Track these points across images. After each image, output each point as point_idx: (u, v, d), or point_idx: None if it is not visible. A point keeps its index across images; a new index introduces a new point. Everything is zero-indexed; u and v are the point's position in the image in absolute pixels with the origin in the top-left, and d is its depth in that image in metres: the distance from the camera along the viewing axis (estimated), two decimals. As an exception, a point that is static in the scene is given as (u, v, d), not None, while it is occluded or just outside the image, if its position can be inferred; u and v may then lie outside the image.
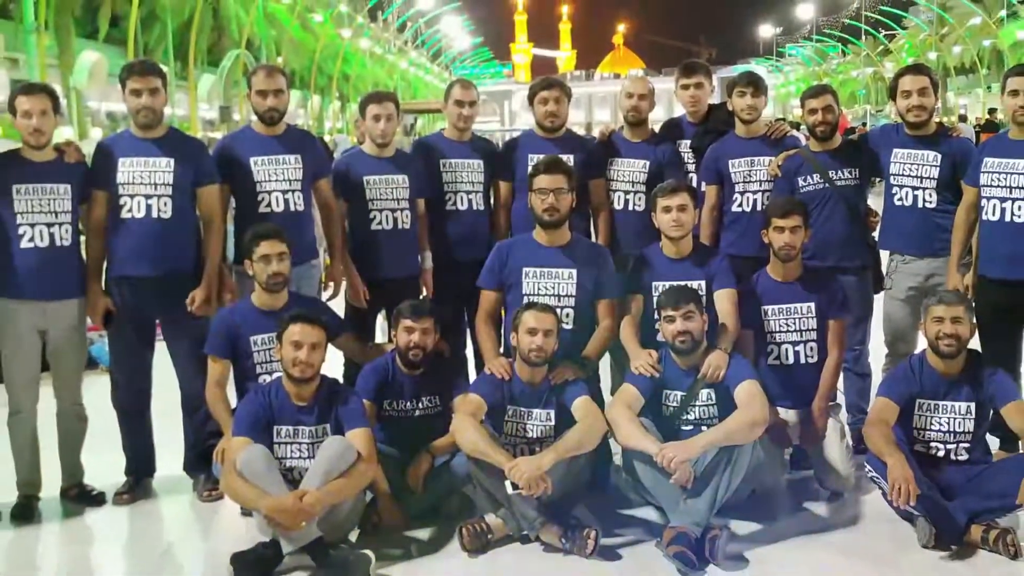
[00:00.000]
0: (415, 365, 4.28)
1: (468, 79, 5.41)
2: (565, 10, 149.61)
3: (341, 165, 4.99)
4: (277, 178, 4.60)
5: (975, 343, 4.21)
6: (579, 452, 3.94)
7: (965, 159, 4.49)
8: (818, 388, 4.39)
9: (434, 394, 4.34)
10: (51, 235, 4.25)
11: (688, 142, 5.11)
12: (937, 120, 4.89)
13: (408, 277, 4.89)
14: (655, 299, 4.28)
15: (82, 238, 4.48)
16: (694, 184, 4.85)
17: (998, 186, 4.28)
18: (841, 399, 4.74)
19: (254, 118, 4.75)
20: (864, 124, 27.23)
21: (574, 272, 4.35)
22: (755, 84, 4.82)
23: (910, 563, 3.77)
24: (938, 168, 4.52)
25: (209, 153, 4.69)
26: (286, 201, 4.61)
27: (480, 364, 4.63)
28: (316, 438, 3.94)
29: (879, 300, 4.85)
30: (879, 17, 61.02)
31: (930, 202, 4.54)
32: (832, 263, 4.63)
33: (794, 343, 4.43)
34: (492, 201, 5.07)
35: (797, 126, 10.91)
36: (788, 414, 4.42)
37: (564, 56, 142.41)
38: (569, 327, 4.31)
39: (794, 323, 4.42)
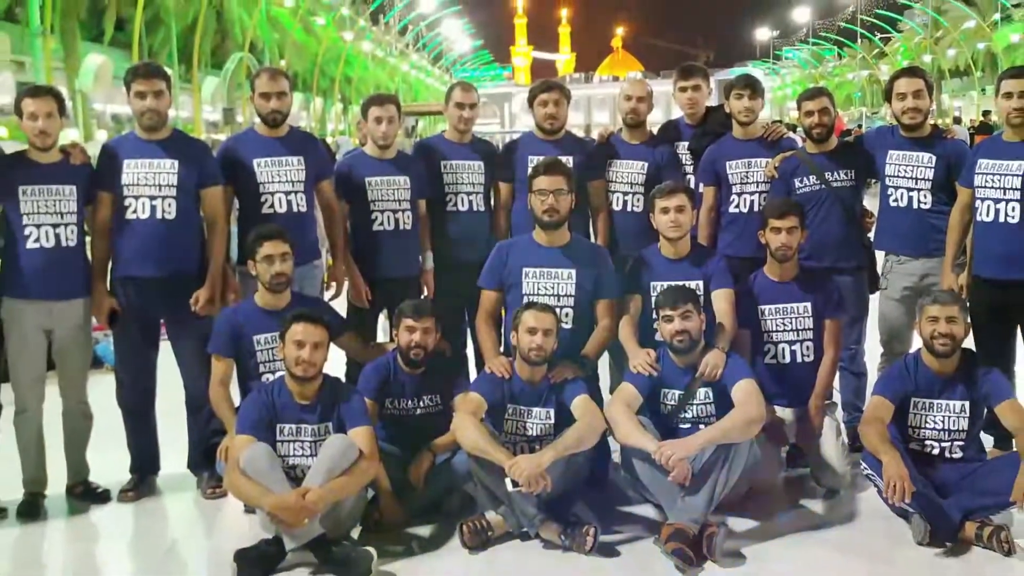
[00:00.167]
0: (416, 364, 4.30)
1: (469, 82, 5.44)
2: (564, 13, 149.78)
3: (343, 167, 5.01)
4: (280, 179, 4.63)
5: (969, 342, 4.23)
6: (578, 450, 3.96)
7: (959, 161, 4.51)
8: (814, 387, 4.41)
9: (435, 393, 4.36)
10: (57, 236, 4.27)
11: (686, 144, 5.13)
12: (932, 122, 4.92)
13: (409, 277, 4.92)
14: (653, 299, 4.30)
15: (87, 239, 4.50)
16: (692, 185, 4.88)
17: (992, 187, 4.30)
18: (837, 398, 4.77)
19: (257, 120, 4.76)
20: (860, 126, 27.24)
21: (573, 272, 4.38)
22: (752, 87, 4.85)
23: (905, 560, 3.78)
24: (933, 169, 4.54)
25: (213, 155, 4.71)
26: (289, 202, 4.64)
27: (480, 363, 4.65)
28: (318, 436, 3.96)
29: (875, 300, 4.87)
30: (874, 20, 61.07)
31: (925, 203, 4.56)
32: (828, 263, 4.66)
33: (791, 342, 4.46)
34: (492, 202, 5.09)
35: (794, 128, 10.91)
36: (785, 412, 4.45)
37: (563, 59, 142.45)
38: (568, 327, 4.33)
39: (791, 323, 4.45)
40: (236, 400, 4.31)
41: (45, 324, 4.34)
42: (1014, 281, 4.28)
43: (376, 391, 4.29)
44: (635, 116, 5.03)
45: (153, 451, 4.69)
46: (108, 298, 4.46)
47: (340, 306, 4.83)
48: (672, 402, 4.21)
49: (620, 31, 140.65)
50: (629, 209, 4.97)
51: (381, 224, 4.82)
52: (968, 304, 4.22)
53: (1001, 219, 4.28)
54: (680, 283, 4.30)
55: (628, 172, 4.99)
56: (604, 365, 4.80)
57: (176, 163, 4.42)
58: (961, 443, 4.09)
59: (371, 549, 3.73)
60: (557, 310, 4.23)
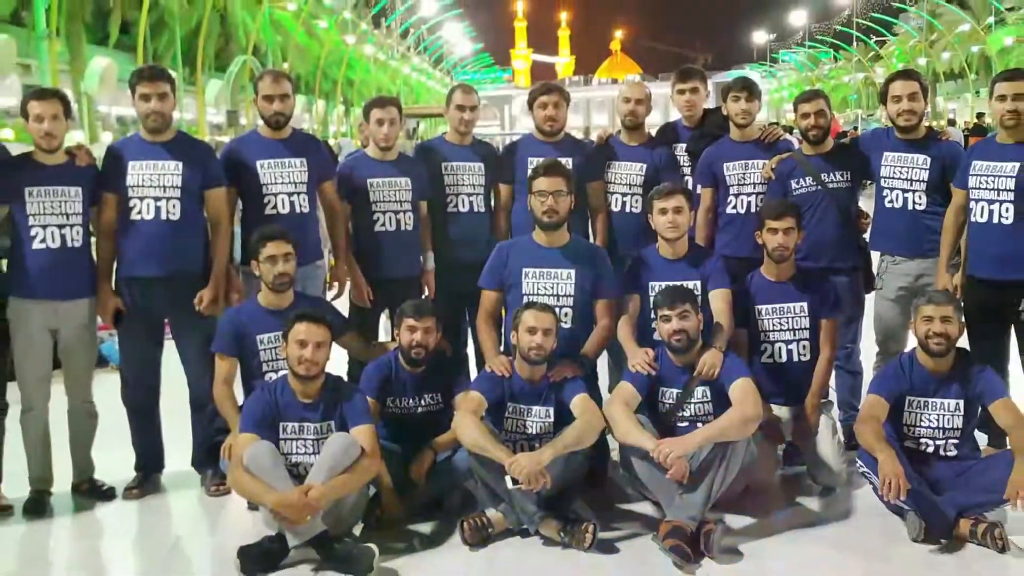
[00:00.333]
0: (417, 363, 4.32)
1: (469, 84, 5.44)
2: (564, 17, 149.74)
3: (345, 168, 5.04)
4: (283, 181, 4.66)
5: (964, 342, 4.25)
6: (577, 448, 3.98)
7: (954, 162, 4.53)
8: (810, 386, 4.44)
9: (436, 391, 4.38)
10: (62, 236, 4.30)
11: (684, 146, 5.17)
12: (927, 124, 4.91)
13: (411, 277, 4.95)
14: (652, 299, 4.32)
15: (93, 239, 4.54)
16: (690, 187, 4.90)
17: (986, 188, 4.32)
18: (833, 396, 4.80)
19: (260, 122, 4.79)
20: (855, 128, 27.25)
21: (573, 272, 4.40)
22: (749, 89, 4.88)
23: (900, 556, 3.80)
24: (928, 171, 4.57)
25: (216, 156, 4.74)
26: (292, 203, 4.67)
27: (481, 362, 4.67)
28: (321, 434, 3.98)
29: (870, 300, 4.90)
30: (870, 24, 61.03)
31: (920, 204, 4.59)
32: (824, 264, 4.68)
33: (787, 342, 4.48)
34: (492, 203, 5.12)
35: (790, 130, 10.92)
36: (781, 411, 4.48)
37: (563, 62, 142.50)
38: (568, 326, 4.36)
39: (787, 322, 4.47)
40: (240, 399, 4.34)
41: (51, 324, 4.36)
42: (1008, 281, 4.30)
43: (378, 390, 4.31)
44: (633, 118, 5.06)
45: (157, 449, 4.72)
46: (113, 298, 4.48)
47: (342, 306, 4.85)
48: (670, 401, 4.23)
49: (619, 34, 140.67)
50: (628, 210, 5.00)
51: (383, 225, 4.85)
52: (962, 304, 4.25)
53: (995, 220, 4.29)
54: (678, 283, 4.32)
55: (627, 173, 5.02)
56: (603, 364, 4.83)
57: (180, 164, 4.45)
58: (955, 441, 4.11)
59: (373, 546, 3.74)
60: (556, 310, 4.25)
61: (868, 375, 4.72)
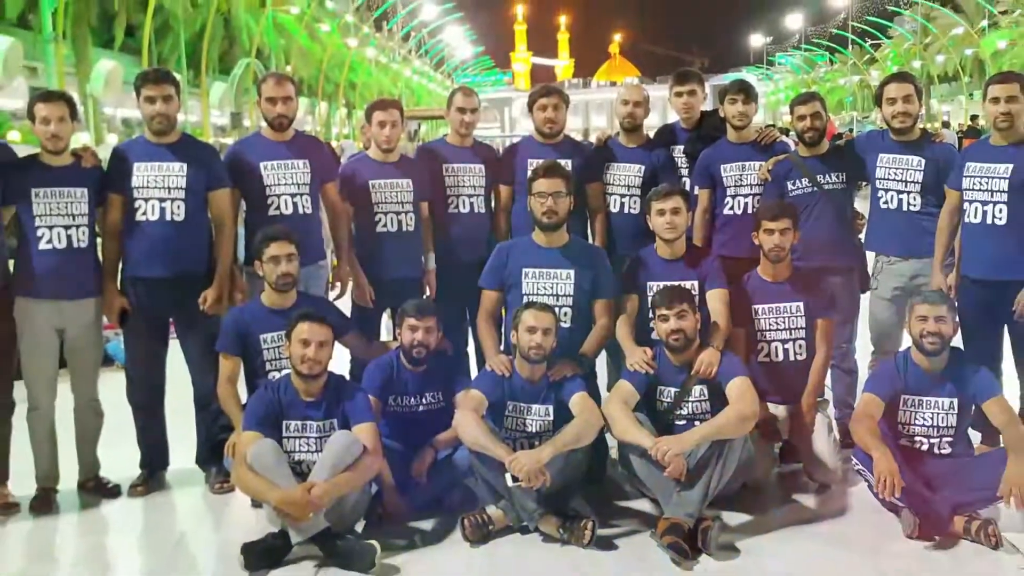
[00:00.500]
0: (419, 362, 4.35)
1: (470, 87, 5.47)
2: (563, 20, 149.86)
3: (347, 170, 5.06)
4: (286, 182, 4.69)
5: (958, 341, 4.28)
6: (577, 446, 4.01)
7: (948, 164, 4.57)
8: (807, 384, 4.46)
9: (437, 390, 4.41)
10: (68, 237, 4.34)
11: (681, 147, 5.19)
12: (921, 126, 4.94)
13: (412, 277, 4.97)
14: (650, 299, 4.35)
15: (98, 240, 4.56)
16: (687, 188, 4.93)
17: (980, 190, 4.35)
18: (829, 395, 4.83)
19: (264, 124, 4.83)
20: (851, 130, 27.33)
21: (572, 272, 4.43)
22: (746, 91, 4.91)
23: (895, 553, 3.82)
24: (922, 172, 4.60)
25: (220, 158, 4.77)
26: (295, 204, 4.70)
27: (481, 361, 4.70)
28: (323, 432, 4.01)
29: (865, 300, 4.92)
30: (865, 27, 61.00)
31: (914, 205, 4.62)
32: (820, 264, 4.70)
33: (783, 341, 4.51)
34: (493, 204, 5.15)
35: (786, 132, 10.96)
36: (778, 409, 4.51)
37: (562, 64, 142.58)
38: (567, 326, 4.39)
39: (783, 322, 4.50)
40: (243, 397, 4.37)
41: (57, 323, 4.40)
42: (1001, 281, 4.34)
43: (379, 388, 4.34)
44: (632, 120, 5.10)
45: (162, 447, 4.75)
46: (119, 298, 4.52)
47: (344, 306, 4.88)
48: (668, 399, 4.26)
49: (618, 38, 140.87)
50: (626, 211, 5.03)
51: (384, 226, 4.89)
52: (956, 303, 4.28)
53: (989, 221, 4.33)
54: (676, 283, 4.35)
55: (625, 175, 5.05)
56: (602, 363, 4.86)
57: (185, 166, 4.48)
58: (950, 439, 4.14)
59: (374, 542, 3.77)
60: (556, 309, 4.28)
61: (863, 374, 4.76)
